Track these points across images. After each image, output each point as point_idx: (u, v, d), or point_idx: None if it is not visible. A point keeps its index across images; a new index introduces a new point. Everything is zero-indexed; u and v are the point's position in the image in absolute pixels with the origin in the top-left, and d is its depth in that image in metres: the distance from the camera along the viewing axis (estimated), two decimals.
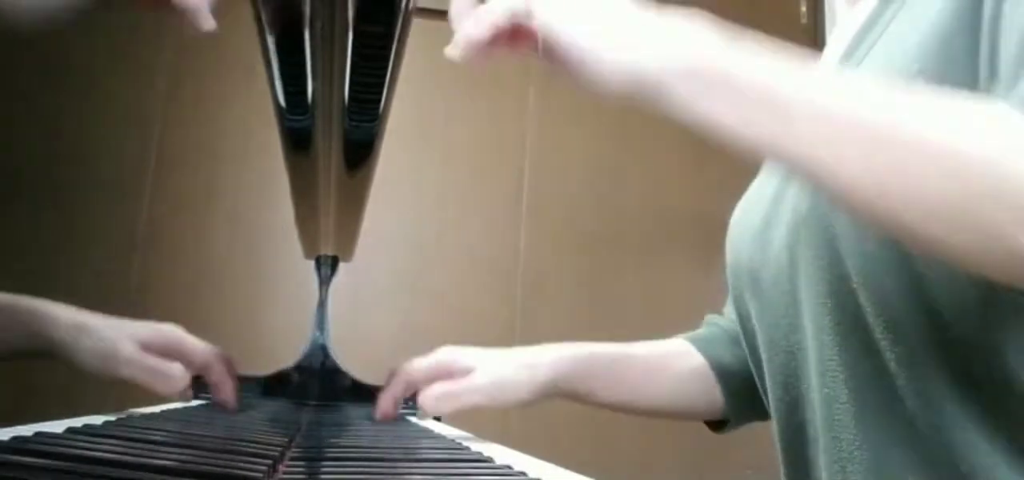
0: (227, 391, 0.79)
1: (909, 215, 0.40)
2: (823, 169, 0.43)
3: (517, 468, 0.48)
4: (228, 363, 0.80)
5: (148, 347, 0.73)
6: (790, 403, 0.67)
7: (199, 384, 0.80)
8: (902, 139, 0.40)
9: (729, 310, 0.85)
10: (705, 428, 0.89)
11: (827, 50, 0.74)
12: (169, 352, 0.74)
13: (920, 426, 0.54)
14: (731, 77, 0.46)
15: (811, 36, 2.47)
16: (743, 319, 0.75)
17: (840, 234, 0.56)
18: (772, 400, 0.69)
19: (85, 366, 0.72)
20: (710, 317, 0.89)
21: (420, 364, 0.80)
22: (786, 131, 0.44)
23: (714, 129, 0.46)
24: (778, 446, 0.70)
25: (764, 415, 0.75)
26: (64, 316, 0.72)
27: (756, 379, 0.75)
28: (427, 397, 0.76)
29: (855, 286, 0.56)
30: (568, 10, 0.51)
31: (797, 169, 0.47)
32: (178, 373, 0.72)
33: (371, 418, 0.81)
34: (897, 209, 0.41)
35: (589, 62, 0.49)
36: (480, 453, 0.56)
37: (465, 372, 0.78)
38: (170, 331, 0.76)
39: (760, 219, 0.68)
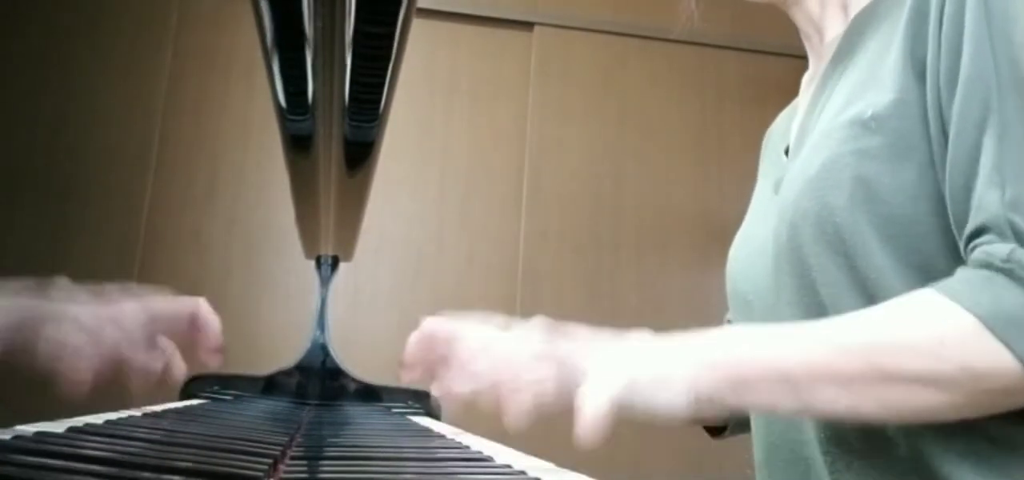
0: (213, 332, 0.75)
1: (911, 418, 0.53)
2: (842, 413, 0.54)
3: (517, 467, 0.49)
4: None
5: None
6: (769, 422, 0.70)
7: (198, 383, 0.80)
8: (885, 376, 0.51)
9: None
10: (702, 427, 0.90)
11: (800, 100, 0.79)
12: (157, 324, 0.72)
13: (900, 447, 0.57)
14: (744, 373, 0.55)
15: None
16: None
17: (813, 264, 0.60)
18: (755, 420, 0.73)
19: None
20: None
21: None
22: (805, 399, 0.53)
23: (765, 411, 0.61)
24: (756, 459, 0.73)
25: None
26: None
27: None
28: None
29: (830, 313, 0.59)
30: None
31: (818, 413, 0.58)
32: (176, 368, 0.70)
33: (379, 409, 0.79)
34: (905, 418, 0.54)
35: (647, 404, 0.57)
36: (480, 452, 0.56)
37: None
38: (153, 304, 0.73)
39: (754, 251, 0.72)
